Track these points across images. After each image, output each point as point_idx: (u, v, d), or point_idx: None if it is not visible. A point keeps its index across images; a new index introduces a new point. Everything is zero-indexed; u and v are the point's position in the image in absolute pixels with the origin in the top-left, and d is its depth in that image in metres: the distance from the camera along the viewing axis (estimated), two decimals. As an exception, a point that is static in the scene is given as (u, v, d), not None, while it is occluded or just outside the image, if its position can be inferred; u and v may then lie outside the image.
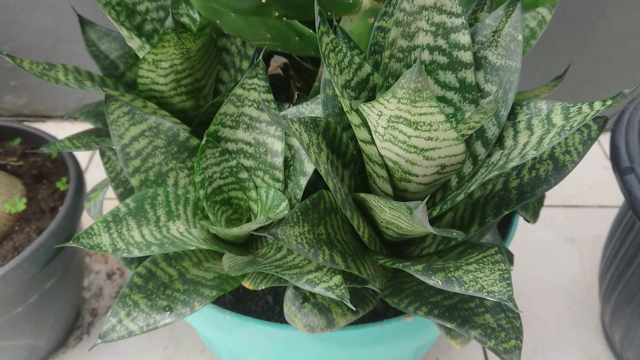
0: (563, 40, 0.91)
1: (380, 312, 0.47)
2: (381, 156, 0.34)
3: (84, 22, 0.52)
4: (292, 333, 0.42)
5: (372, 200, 0.33)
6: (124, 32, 0.43)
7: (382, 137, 0.31)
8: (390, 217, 0.35)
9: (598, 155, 1.02)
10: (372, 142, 0.33)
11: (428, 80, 0.24)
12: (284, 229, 0.34)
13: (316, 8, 0.30)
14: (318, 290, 0.35)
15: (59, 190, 0.63)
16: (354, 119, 0.32)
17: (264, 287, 0.40)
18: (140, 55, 0.45)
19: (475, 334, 0.37)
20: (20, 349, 0.63)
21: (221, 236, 0.40)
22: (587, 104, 0.30)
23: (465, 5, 0.37)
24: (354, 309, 0.35)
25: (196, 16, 0.47)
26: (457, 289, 0.32)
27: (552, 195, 0.95)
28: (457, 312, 0.39)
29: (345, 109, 0.32)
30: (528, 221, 0.55)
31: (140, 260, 0.41)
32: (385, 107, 0.28)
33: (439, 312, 0.39)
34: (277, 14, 0.38)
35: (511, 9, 0.33)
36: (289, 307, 0.41)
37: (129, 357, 0.69)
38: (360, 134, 0.33)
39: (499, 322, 0.39)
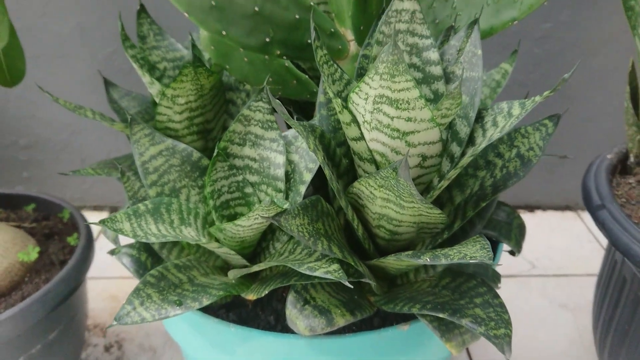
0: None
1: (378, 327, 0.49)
2: (370, 150, 0.39)
3: (108, 83, 0.59)
4: (295, 341, 0.44)
5: (363, 186, 0.38)
6: (146, 79, 0.50)
7: (370, 126, 0.37)
8: (381, 205, 0.39)
9: (583, 231, 1.08)
10: (362, 137, 0.38)
11: (402, 54, 0.30)
12: (286, 218, 0.38)
13: (312, 24, 0.38)
14: (318, 273, 0.38)
15: (70, 244, 0.66)
16: (345, 117, 0.38)
17: (266, 292, 0.43)
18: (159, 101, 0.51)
19: (466, 322, 0.40)
20: (15, 407, 0.62)
21: (228, 243, 0.44)
22: (538, 95, 0.37)
23: (435, 37, 0.45)
24: (351, 287, 0.38)
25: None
26: (443, 261, 0.36)
27: (543, 267, 0.99)
28: (449, 306, 0.42)
29: (337, 109, 0.38)
30: (513, 254, 0.59)
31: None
32: (370, 87, 0.34)
33: (431, 307, 0.41)
34: (278, 52, 0.46)
35: (470, 30, 0.40)
36: (291, 310, 0.43)
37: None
38: (351, 131, 0.39)
39: (489, 314, 0.41)
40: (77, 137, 1.06)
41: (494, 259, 0.55)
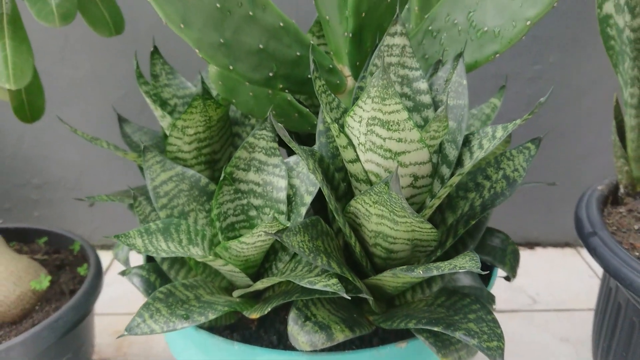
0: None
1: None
2: (365, 171, 0.42)
3: (121, 119, 0.63)
4: (297, 358, 0.46)
5: (359, 204, 0.40)
6: (158, 112, 0.54)
7: (364, 147, 0.40)
8: (376, 222, 0.42)
9: (582, 266, 1.09)
10: (357, 159, 0.41)
11: (391, 78, 0.34)
12: (288, 235, 0.41)
13: (311, 58, 0.41)
14: (317, 287, 0.40)
15: (80, 274, 0.69)
16: (342, 141, 0.41)
17: (269, 309, 0.45)
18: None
19: (460, 334, 0.42)
20: None
21: (232, 261, 0.46)
22: (519, 119, 0.40)
23: (425, 70, 0.49)
24: (348, 298, 0.40)
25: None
26: (435, 272, 0.38)
27: (545, 302, 1.00)
28: (443, 321, 0.43)
29: (335, 133, 0.41)
30: (508, 279, 0.61)
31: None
32: (363, 110, 0.37)
33: (427, 321, 0.43)
34: (281, 86, 0.50)
35: (456, 62, 0.44)
36: (292, 326, 0.45)
37: None
38: (347, 154, 0.42)
39: (482, 328, 0.43)
40: (87, 177, 1.09)
41: (488, 283, 0.58)
